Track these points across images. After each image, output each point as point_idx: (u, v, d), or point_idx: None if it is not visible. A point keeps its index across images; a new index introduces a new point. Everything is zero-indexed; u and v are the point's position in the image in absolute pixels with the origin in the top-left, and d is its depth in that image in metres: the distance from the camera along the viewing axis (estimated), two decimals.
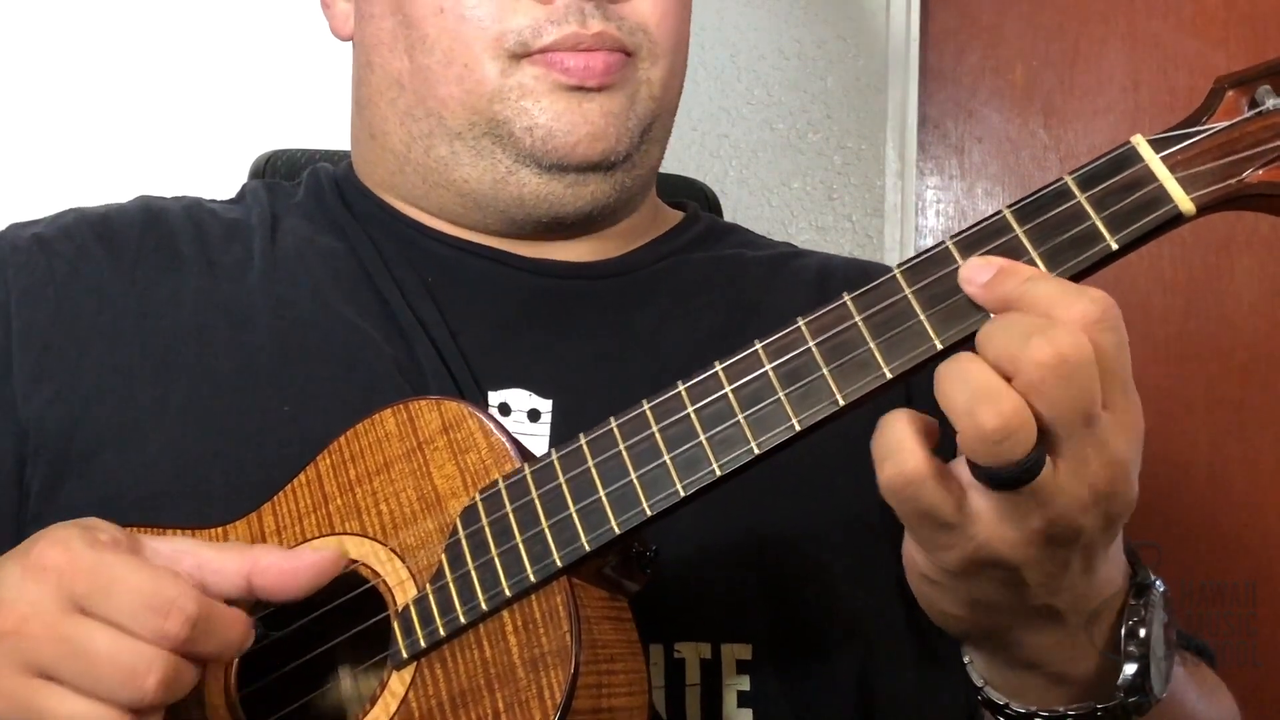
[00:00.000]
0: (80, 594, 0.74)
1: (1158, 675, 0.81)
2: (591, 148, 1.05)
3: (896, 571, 1.02)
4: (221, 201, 1.20)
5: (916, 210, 2.02)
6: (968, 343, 0.73)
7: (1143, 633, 0.81)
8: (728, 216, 1.52)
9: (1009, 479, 0.71)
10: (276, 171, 1.38)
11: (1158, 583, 0.83)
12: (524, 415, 1.03)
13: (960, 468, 0.73)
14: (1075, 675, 0.83)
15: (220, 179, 1.34)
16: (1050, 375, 0.68)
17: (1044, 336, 0.68)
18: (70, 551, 0.75)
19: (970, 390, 0.70)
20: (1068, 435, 0.71)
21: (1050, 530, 0.73)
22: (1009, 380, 0.70)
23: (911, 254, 1.99)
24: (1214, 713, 1.01)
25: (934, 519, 0.73)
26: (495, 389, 1.04)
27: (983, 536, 0.73)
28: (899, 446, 0.72)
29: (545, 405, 1.04)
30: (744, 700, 0.98)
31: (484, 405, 1.01)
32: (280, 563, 0.80)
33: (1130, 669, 0.81)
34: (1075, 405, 0.70)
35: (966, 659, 0.87)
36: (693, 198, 1.39)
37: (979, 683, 0.87)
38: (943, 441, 0.76)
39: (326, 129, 1.24)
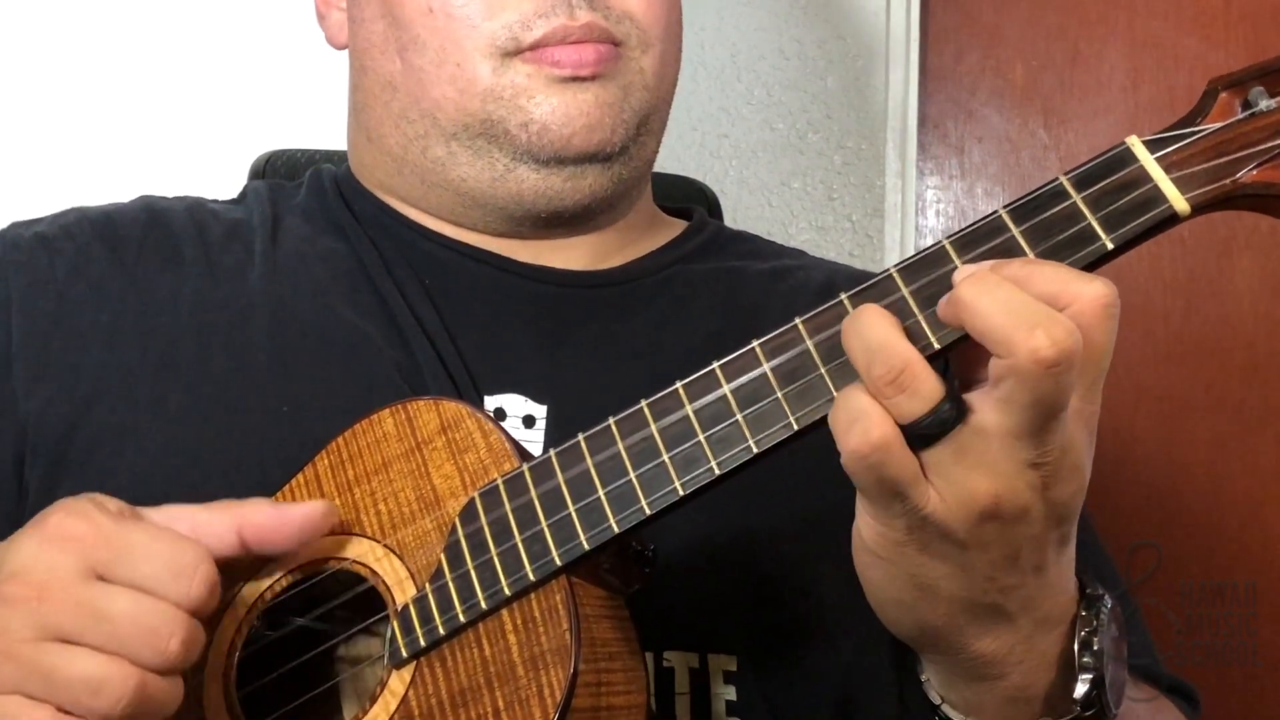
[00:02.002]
0: (101, 560, 0.75)
1: (1112, 691, 0.80)
2: (588, 139, 1.06)
3: None
4: (223, 202, 1.20)
5: (916, 210, 2.01)
6: (963, 342, 0.73)
7: (1096, 644, 0.80)
8: (728, 216, 1.52)
9: (916, 434, 0.71)
10: (276, 172, 1.39)
11: (1107, 597, 0.82)
12: (519, 421, 1.03)
13: None
14: (1031, 692, 0.82)
15: (220, 179, 1.34)
16: (1043, 371, 0.68)
17: (1047, 331, 0.68)
18: (91, 521, 0.76)
19: (865, 348, 0.71)
20: (1035, 420, 0.70)
21: (997, 506, 0.73)
22: (998, 356, 0.69)
23: (911, 254, 1.98)
24: None
25: (895, 487, 0.73)
26: (491, 393, 1.04)
27: (932, 505, 0.73)
28: (864, 414, 0.72)
29: (540, 411, 1.04)
30: (731, 710, 0.98)
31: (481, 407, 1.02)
32: (269, 516, 0.81)
33: (1085, 681, 0.79)
34: (1053, 398, 0.70)
35: (923, 676, 0.86)
36: (692, 198, 1.39)
37: (936, 700, 0.85)
38: None
39: (326, 129, 1.25)
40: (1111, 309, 0.70)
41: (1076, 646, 0.80)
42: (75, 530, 0.76)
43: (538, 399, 1.04)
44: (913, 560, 0.76)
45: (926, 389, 0.70)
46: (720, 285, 1.15)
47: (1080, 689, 0.79)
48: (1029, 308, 0.69)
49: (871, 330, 0.71)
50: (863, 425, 0.71)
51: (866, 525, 0.77)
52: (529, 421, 1.04)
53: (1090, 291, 0.70)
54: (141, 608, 0.74)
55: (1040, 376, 0.68)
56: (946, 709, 0.85)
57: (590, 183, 1.08)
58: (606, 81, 1.06)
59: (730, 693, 0.98)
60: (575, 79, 1.05)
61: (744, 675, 0.99)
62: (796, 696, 1.00)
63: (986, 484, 0.72)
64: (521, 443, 0.88)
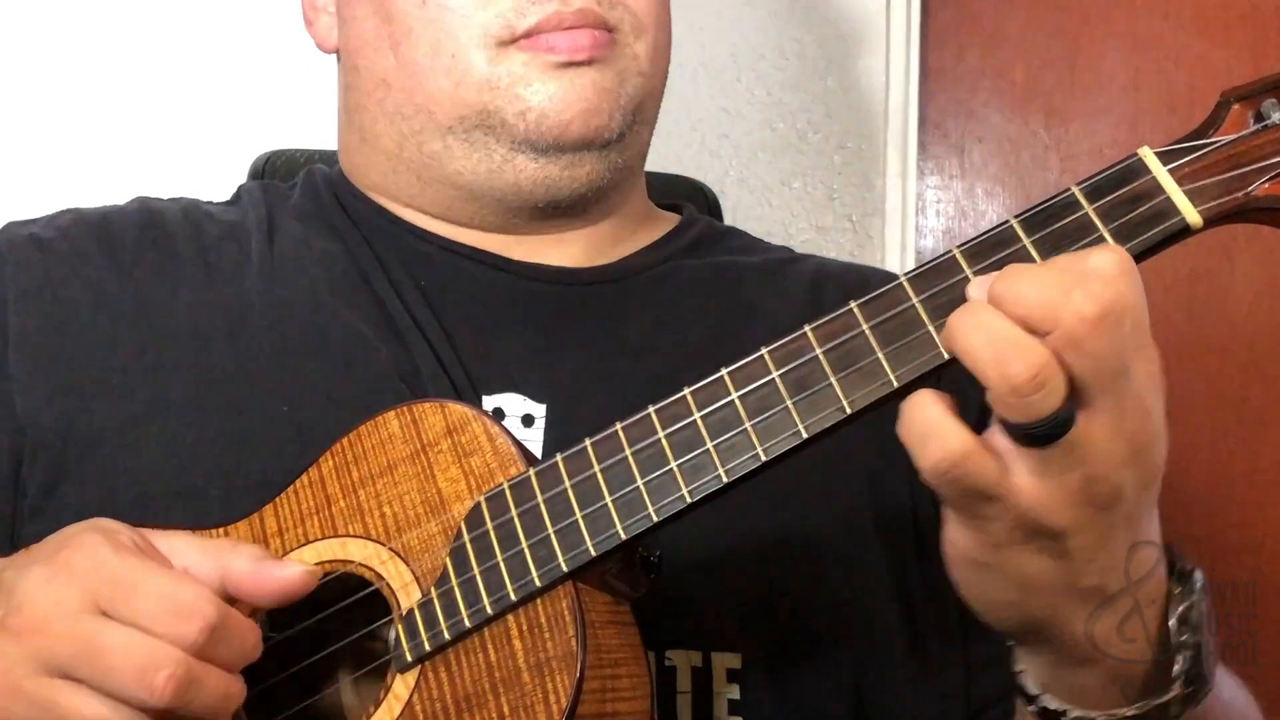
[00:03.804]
0: (104, 597, 0.75)
1: (1208, 663, 0.80)
2: (586, 124, 1.06)
3: (890, 577, 1.03)
4: (218, 203, 1.20)
5: (917, 210, 2.01)
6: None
7: (1193, 619, 0.79)
8: (728, 216, 1.52)
9: (1043, 434, 0.69)
10: (276, 172, 1.39)
11: (1198, 571, 0.81)
12: (518, 420, 1.04)
13: (994, 435, 0.72)
14: (1133, 671, 0.81)
15: (220, 179, 1.34)
16: (1092, 329, 0.68)
17: (1084, 290, 0.68)
18: (96, 557, 0.76)
19: (994, 342, 0.69)
20: (1103, 388, 0.70)
21: (1091, 489, 0.72)
22: (1044, 334, 0.69)
23: (911, 254, 1.99)
24: (1242, 701, 1.00)
25: (981, 494, 0.72)
26: (490, 393, 1.04)
27: (1026, 502, 0.72)
28: (939, 427, 0.71)
29: (539, 410, 1.04)
30: (734, 709, 0.98)
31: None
32: (250, 573, 0.81)
33: (1184, 658, 0.79)
34: (1113, 358, 0.69)
35: (1019, 668, 0.85)
36: (692, 198, 1.39)
37: (1035, 691, 0.84)
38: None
39: (326, 129, 1.24)
40: (1131, 273, 0.70)
41: (1174, 623, 0.79)
42: (81, 564, 0.76)
43: (536, 398, 1.05)
44: (1015, 560, 0.75)
45: (1061, 386, 0.68)
46: (715, 281, 1.15)
47: (1180, 664, 0.79)
48: (1066, 276, 0.69)
49: (1002, 326, 0.69)
50: (939, 439, 0.70)
51: (962, 536, 0.76)
52: (528, 421, 1.04)
53: (1098, 259, 0.70)
54: (134, 644, 0.74)
55: (1091, 336, 0.68)
56: (1046, 699, 0.83)
57: (588, 170, 1.09)
58: (602, 67, 1.07)
59: (734, 691, 0.98)
60: (571, 64, 1.05)
61: (749, 673, 0.99)
62: (807, 692, 1.00)
63: (1083, 471, 0.71)
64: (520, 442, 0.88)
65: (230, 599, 0.80)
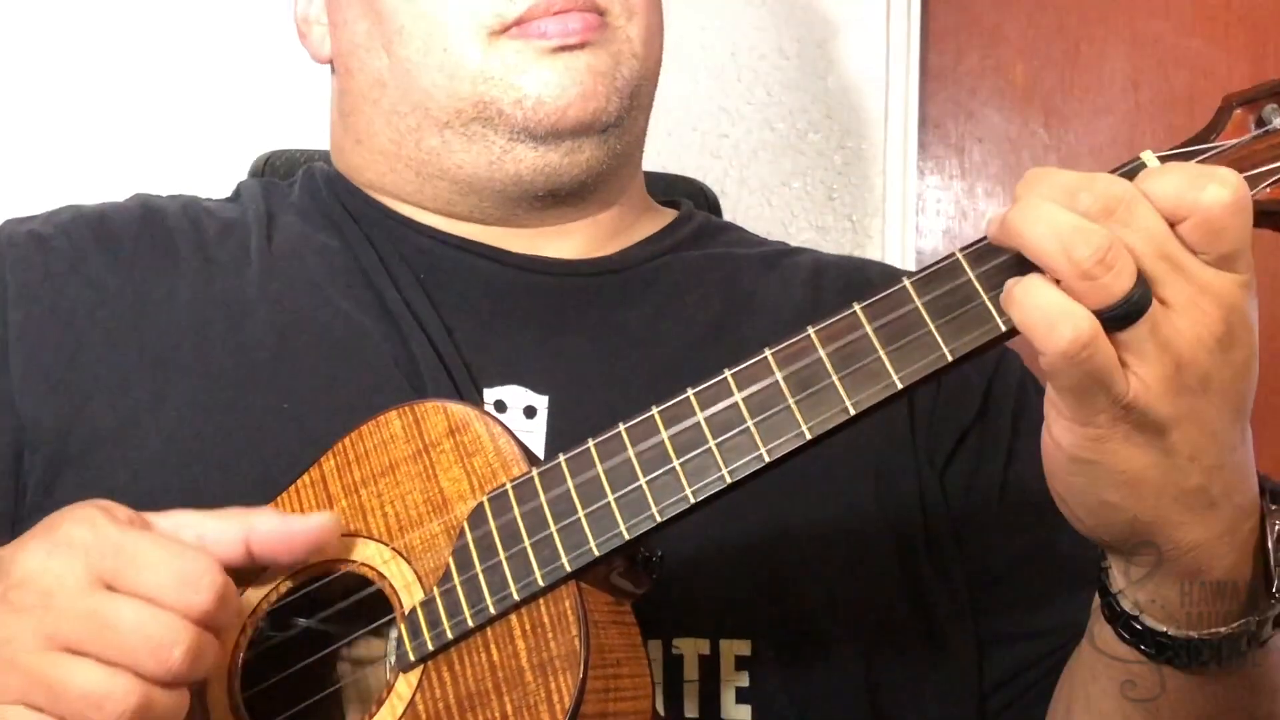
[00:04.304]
0: (108, 569, 0.75)
1: None
2: (584, 108, 1.06)
3: (899, 564, 1.03)
4: (217, 200, 1.21)
5: (917, 210, 2.01)
6: (978, 354, 0.74)
7: None
8: (728, 216, 1.52)
9: (1121, 314, 0.70)
10: (276, 171, 1.39)
11: None
12: (520, 412, 1.04)
13: None
14: (1236, 588, 0.80)
15: (220, 179, 1.34)
16: (1231, 213, 0.70)
17: (1219, 181, 0.70)
18: (96, 529, 0.76)
19: (1057, 230, 0.69)
20: (1169, 271, 0.71)
21: (1182, 376, 0.71)
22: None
23: (911, 254, 1.98)
24: None
25: (1100, 378, 0.71)
26: (491, 386, 1.04)
27: (1134, 388, 0.71)
28: (1064, 310, 0.70)
29: (541, 402, 1.04)
30: (742, 696, 0.98)
31: (480, 402, 1.02)
32: (276, 528, 0.82)
33: None
34: (1156, 240, 0.71)
35: (1115, 588, 0.83)
36: (692, 198, 1.40)
37: (1135, 612, 0.82)
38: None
39: (326, 129, 1.25)
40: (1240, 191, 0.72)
41: (1272, 542, 0.79)
42: (83, 538, 0.76)
43: (538, 390, 1.05)
44: (1118, 454, 0.74)
45: (1130, 265, 0.69)
46: (715, 272, 1.15)
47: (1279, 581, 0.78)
48: (1191, 169, 0.72)
49: (1060, 215, 0.70)
50: (1071, 321, 0.70)
51: (1066, 430, 0.75)
52: (530, 413, 1.04)
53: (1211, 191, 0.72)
54: (146, 617, 0.74)
55: (1228, 219, 0.70)
56: (1145, 619, 0.82)
57: (587, 156, 1.09)
58: (596, 49, 1.07)
59: (742, 679, 0.98)
60: (564, 49, 1.06)
61: (759, 660, 0.99)
62: (818, 678, 1.00)
63: (1172, 356, 0.71)
64: (523, 434, 0.88)
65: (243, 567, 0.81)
